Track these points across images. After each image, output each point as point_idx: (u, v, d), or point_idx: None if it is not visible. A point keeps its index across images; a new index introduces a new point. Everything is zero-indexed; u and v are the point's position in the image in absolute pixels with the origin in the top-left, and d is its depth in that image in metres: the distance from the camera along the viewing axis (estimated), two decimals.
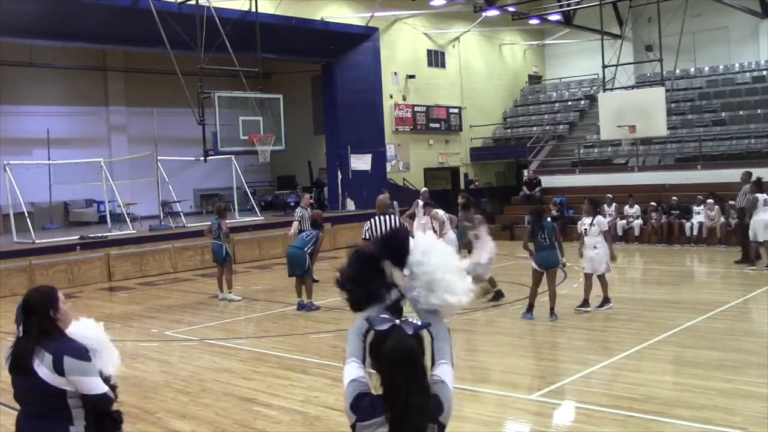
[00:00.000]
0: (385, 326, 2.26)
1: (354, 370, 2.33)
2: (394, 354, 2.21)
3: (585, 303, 10.23)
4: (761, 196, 13.53)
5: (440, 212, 12.59)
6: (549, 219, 10.40)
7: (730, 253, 15.98)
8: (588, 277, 10.24)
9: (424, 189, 16.83)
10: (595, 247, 10.06)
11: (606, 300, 10.29)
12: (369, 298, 2.49)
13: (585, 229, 10.20)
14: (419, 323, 2.29)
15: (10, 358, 3.34)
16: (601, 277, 10.21)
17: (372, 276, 2.50)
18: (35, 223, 18.04)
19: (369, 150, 22.40)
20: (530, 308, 9.96)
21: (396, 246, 2.55)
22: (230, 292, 12.63)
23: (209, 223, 13.49)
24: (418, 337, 2.27)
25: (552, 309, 9.84)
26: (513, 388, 7.04)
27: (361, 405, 2.24)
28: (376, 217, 9.48)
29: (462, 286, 2.50)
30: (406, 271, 2.51)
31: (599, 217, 10.29)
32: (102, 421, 3.40)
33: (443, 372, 2.32)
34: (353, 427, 2.25)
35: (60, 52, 21.85)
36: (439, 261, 2.50)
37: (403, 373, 2.18)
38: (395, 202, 16.49)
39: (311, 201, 14.41)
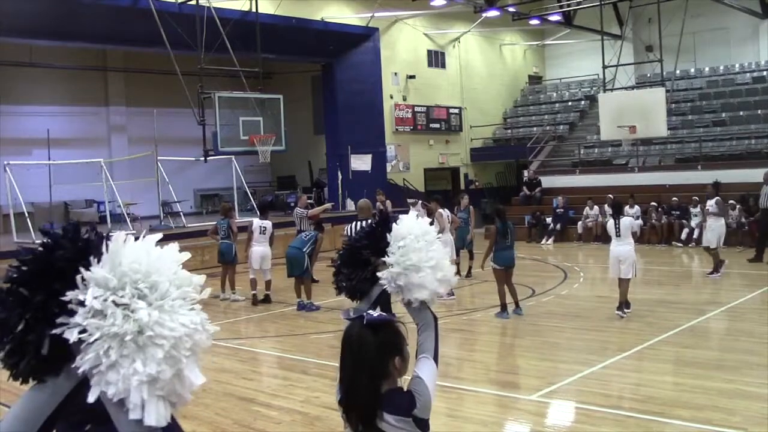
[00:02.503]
0: (351, 317, 2.28)
1: None
2: (343, 342, 2.25)
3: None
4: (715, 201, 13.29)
5: (445, 213, 12.61)
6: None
7: (729, 253, 15.97)
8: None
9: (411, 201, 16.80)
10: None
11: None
12: (354, 291, 2.50)
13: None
14: (377, 316, 2.26)
15: None
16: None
17: (355, 267, 2.49)
18: (35, 223, 18.00)
19: (369, 150, 22.41)
20: (504, 308, 10.12)
21: (376, 237, 2.51)
22: (233, 292, 12.66)
23: (214, 223, 13.48)
24: (391, 328, 2.25)
25: (516, 303, 10.22)
26: (513, 388, 7.04)
27: None
28: (355, 223, 8.88)
29: (434, 279, 2.41)
30: (388, 261, 2.45)
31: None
32: None
33: (421, 367, 2.34)
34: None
35: (60, 52, 21.86)
36: (413, 254, 2.40)
37: (348, 361, 2.22)
38: (388, 202, 16.45)
39: (309, 201, 14.43)
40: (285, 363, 8.46)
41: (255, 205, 21.57)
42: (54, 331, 1.53)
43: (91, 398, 1.52)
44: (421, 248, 2.43)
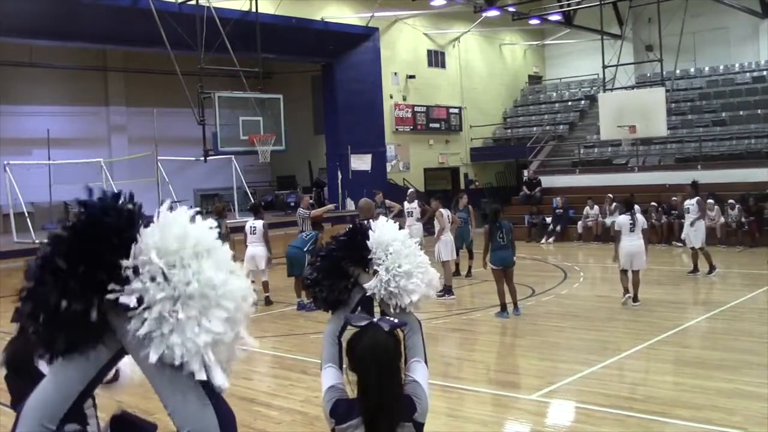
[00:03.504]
0: (361, 323, 2.26)
1: (331, 377, 2.35)
2: (367, 351, 2.20)
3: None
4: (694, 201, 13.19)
5: (445, 213, 12.62)
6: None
7: (729, 253, 16.00)
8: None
9: (411, 190, 16.58)
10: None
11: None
12: (333, 302, 2.48)
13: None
14: (395, 321, 2.27)
15: (5, 359, 3.17)
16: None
17: (335, 279, 2.47)
18: (35, 223, 18.01)
19: (369, 150, 22.40)
20: (503, 308, 10.14)
21: (355, 246, 2.49)
22: None
23: None
24: (395, 335, 2.25)
25: (515, 304, 10.21)
26: (513, 388, 7.04)
27: (338, 410, 2.25)
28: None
29: (419, 280, 2.41)
30: (371, 270, 2.45)
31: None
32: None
33: (416, 370, 2.32)
34: (333, 430, 2.27)
35: (60, 52, 21.86)
36: (404, 260, 2.41)
37: (376, 370, 2.18)
38: (388, 201, 16.38)
39: (311, 202, 14.43)
40: (285, 363, 8.46)
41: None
42: (108, 297, 1.51)
43: (153, 358, 1.51)
44: (410, 254, 2.44)
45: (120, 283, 1.53)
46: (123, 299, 1.51)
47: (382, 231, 2.48)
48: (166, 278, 1.53)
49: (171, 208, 1.65)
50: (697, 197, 13.25)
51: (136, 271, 1.53)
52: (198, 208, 1.71)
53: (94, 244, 1.54)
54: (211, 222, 1.67)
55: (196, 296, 1.52)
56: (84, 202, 1.60)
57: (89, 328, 1.53)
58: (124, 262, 1.54)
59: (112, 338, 1.57)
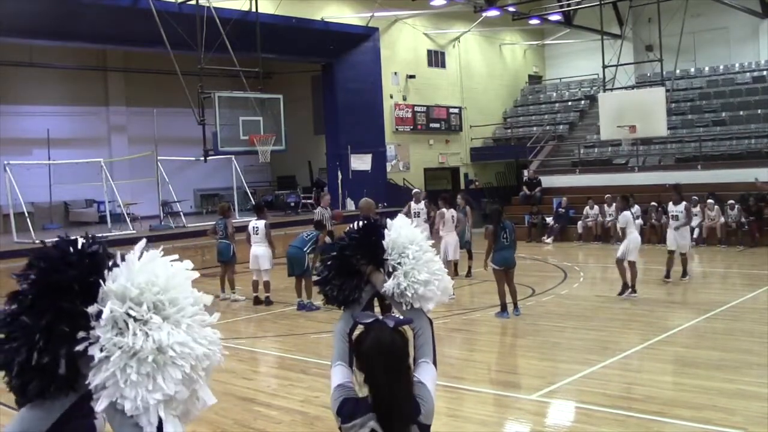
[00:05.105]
0: (366, 321, 2.24)
1: (340, 375, 2.34)
2: (372, 348, 2.18)
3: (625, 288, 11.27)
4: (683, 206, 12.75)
5: (448, 214, 12.82)
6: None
7: (729, 253, 16.00)
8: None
9: (416, 190, 16.52)
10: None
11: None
12: (344, 299, 2.47)
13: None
14: (400, 318, 2.26)
15: None
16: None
17: (346, 277, 2.45)
18: (35, 223, 18.02)
19: (369, 150, 22.41)
20: (504, 308, 10.13)
21: (370, 246, 2.46)
22: (233, 292, 12.65)
23: (213, 223, 13.50)
24: (402, 333, 2.23)
25: (515, 304, 10.23)
26: (513, 388, 7.04)
27: (344, 409, 2.24)
28: (358, 222, 8.93)
29: (436, 288, 2.40)
30: (385, 270, 2.43)
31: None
32: None
33: (422, 372, 2.30)
34: (340, 429, 2.26)
35: (60, 52, 21.86)
36: (424, 267, 2.39)
37: (383, 368, 2.16)
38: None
39: (309, 201, 14.44)
40: (285, 363, 8.46)
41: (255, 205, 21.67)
42: (77, 348, 1.51)
43: (100, 407, 1.51)
44: (429, 260, 2.42)
45: (88, 329, 1.52)
46: (90, 350, 1.51)
47: (399, 232, 2.45)
48: (126, 326, 1.52)
49: (144, 249, 1.62)
50: (684, 203, 12.70)
51: (100, 315, 1.53)
52: (176, 256, 1.67)
53: (53, 296, 1.53)
54: (187, 264, 1.63)
55: (149, 354, 1.51)
56: (40, 253, 1.59)
57: (60, 378, 1.53)
58: (90, 309, 1.53)
59: (82, 384, 1.56)
